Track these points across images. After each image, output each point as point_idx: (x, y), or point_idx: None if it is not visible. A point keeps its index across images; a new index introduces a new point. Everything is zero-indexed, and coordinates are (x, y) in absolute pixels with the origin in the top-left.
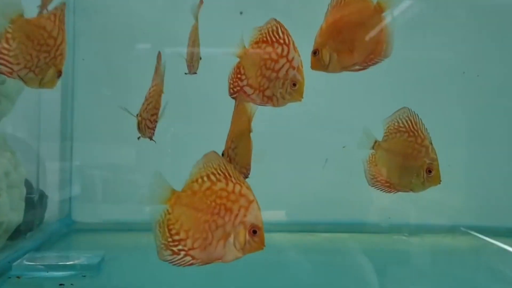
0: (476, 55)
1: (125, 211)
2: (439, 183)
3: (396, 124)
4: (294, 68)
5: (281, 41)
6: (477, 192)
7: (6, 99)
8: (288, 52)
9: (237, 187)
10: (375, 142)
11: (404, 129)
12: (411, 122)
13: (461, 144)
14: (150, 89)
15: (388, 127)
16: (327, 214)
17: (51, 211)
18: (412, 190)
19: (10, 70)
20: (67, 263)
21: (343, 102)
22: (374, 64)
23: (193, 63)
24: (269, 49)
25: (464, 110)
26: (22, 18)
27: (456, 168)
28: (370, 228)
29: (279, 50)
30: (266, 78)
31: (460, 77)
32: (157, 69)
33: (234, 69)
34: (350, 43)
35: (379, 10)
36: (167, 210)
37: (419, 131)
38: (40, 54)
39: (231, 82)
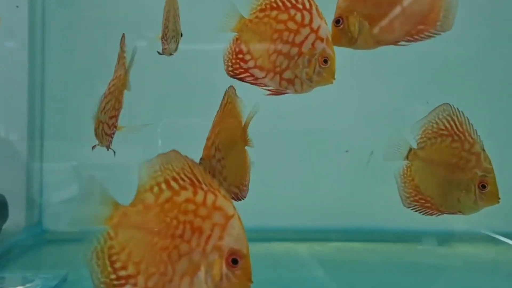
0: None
1: None
2: (498, 202)
3: (435, 126)
4: (322, 40)
5: (300, 5)
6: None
7: None
8: (312, 19)
9: (210, 197)
10: (410, 150)
11: (446, 132)
12: (455, 123)
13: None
14: (110, 83)
15: (424, 130)
16: (338, 220)
17: (15, 219)
18: (461, 211)
19: None
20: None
21: (358, 89)
22: (424, 38)
23: (167, 39)
24: (284, 16)
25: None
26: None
27: None
28: (388, 236)
29: (298, 17)
30: (283, 55)
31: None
32: (120, 57)
33: (232, 47)
34: (389, 7)
35: None
36: (108, 234)
37: (466, 134)
38: None
39: (230, 64)
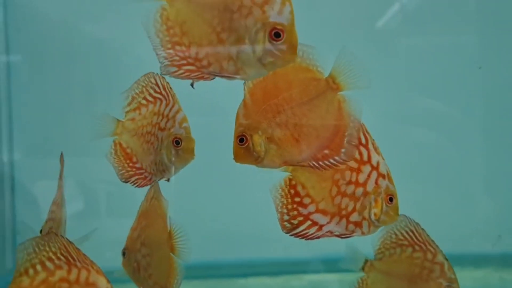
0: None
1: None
2: None
3: (394, 236)
4: (384, 177)
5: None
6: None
7: None
8: (370, 155)
9: (83, 274)
10: (366, 262)
11: (407, 243)
12: (414, 233)
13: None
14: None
15: (382, 241)
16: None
17: None
18: None
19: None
20: None
21: None
22: (329, 165)
23: None
24: None
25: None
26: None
27: None
28: None
29: (356, 154)
30: (348, 196)
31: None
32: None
33: (286, 189)
34: (293, 128)
35: (333, 87)
36: None
37: (427, 244)
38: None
39: (286, 211)
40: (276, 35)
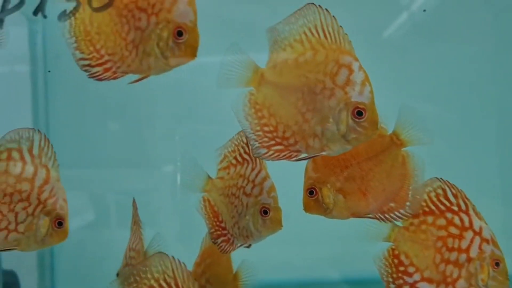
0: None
1: None
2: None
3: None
4: (488, 242)
5: (455, 207)
6: None
7: None
8: (471, 221)
9: None
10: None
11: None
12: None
13: None
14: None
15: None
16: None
17: None
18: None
19: None
20: None
21: None
22: (395, 217)
23: None
24: (442, 221)
25: None
26: None
27: None
28: None
29: (456, 220)
30: (452, 263)
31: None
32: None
33: (389, 259)
34: (360, 181)
35: (397, 143)
36: None
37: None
38: (14, 207)
39: (391, 279)
40: (358, 113)
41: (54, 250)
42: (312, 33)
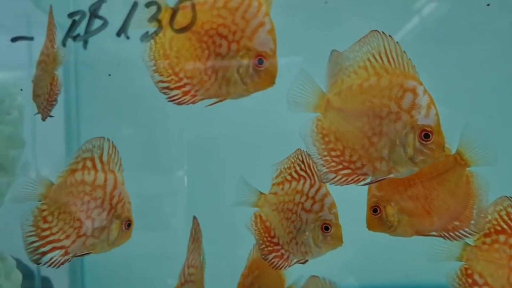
0: None
1: None
2: None
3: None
4: None
5: None
6: None
7: None
8: None
9: None
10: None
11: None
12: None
13: None
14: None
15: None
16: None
17: None
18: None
19: (63, 252)
20: None
21: None
22: (460, 236)
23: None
24: None
25: None
26: (52, 187)
27: None
28: None
29: None
30: None
31: None
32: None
33: (463, 278)
34: (424, 200)
35: (461, 163)
36: None
37: None
38: (91, 213)
39: None
40: (425, 136)
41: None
42: (376, 59)
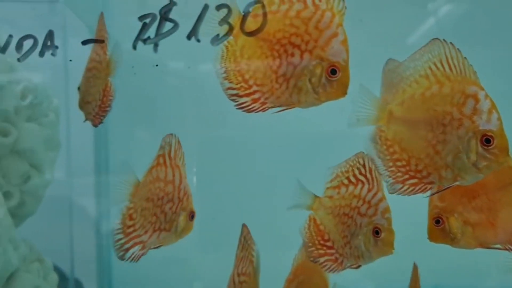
0: None
1: None
2: None
3: None
4: None
5: None
6: None
7: (32, 197)
8: None
9: None
10: None
11: None
12: None
13: None
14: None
15: None
16: None
17: None
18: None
19: (142, 247)
20: None
21: None
22: None
23: None
24: None
25: None
26: (138, 184)
27: None
28: None
29: None
30: None
31: None
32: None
33: None
34: (488, 211)
35: None
36: None
37: None
38: (165, 208)
39: None
40: (487, 141)
41: (111, 258)
42: (437, 67)
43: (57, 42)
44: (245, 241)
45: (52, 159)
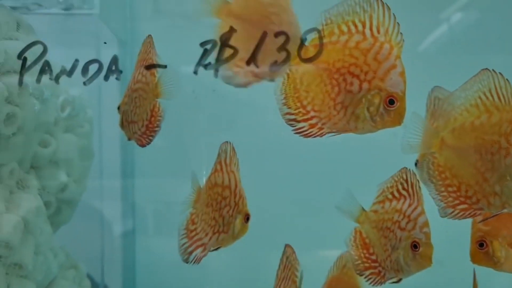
0: None
1: None
2: None
3: None
4: None
5: None
6: None
7: (67, 206)
8: None
9: None
10: None
11: None
12: None
13: None
14: None
15: None
16: None
17: None
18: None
19: (203, 249)
20: None
21: None
22: None
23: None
24: None
25: None
26: (200, 191)
27: None
28: None
29: None
30: None
31: None
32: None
33: None
34: None
35: None
36: None
37: None
38: (223, 212)
39: None
40: None
41: (136, 263)
42: (487, 97)
43: (90, 53)
44: (288, 261)
45: (86, 168)
